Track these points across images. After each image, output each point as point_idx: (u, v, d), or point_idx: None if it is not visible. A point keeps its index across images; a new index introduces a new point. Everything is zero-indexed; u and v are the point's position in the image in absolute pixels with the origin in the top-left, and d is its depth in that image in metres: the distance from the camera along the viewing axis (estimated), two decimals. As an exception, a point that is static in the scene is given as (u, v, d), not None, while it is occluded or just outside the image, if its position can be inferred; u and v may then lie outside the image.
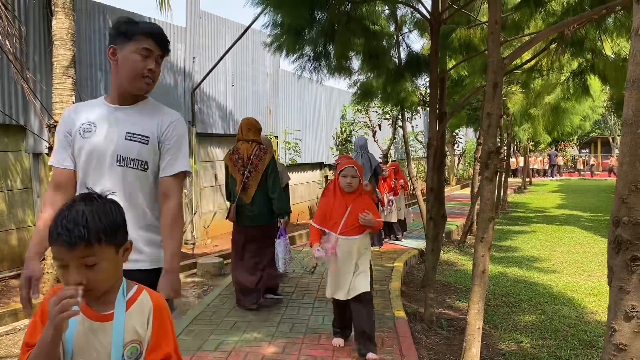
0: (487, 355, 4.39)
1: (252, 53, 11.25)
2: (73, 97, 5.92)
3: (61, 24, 5.78)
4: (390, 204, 9.26)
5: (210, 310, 5.20)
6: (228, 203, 5.50)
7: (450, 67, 6.19)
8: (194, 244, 9.12)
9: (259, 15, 6.86)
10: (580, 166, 39.67)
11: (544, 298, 6.33)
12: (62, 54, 5.79)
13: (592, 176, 35.98)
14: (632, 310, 2.06)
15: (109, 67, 7.68)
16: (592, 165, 38.05)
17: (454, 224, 11.40)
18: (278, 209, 5.10)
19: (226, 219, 5.30)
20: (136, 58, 2.21)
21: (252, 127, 5.15)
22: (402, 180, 9.69)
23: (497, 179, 11.55)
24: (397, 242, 9.18)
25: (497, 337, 4.95)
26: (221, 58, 9.21)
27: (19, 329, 4.91)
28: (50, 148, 5.84)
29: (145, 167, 2.23)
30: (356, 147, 8.45)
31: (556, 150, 38.51)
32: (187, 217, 9.33)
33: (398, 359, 3.95)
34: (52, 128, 5.83)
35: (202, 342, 4.31)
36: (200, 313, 5.12)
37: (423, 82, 11.48)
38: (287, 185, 6.56)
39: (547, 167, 36.57)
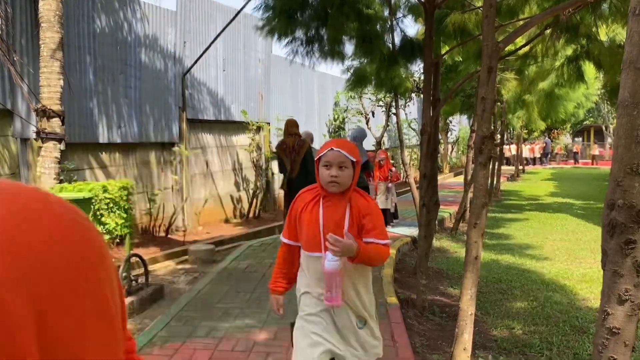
0: (479, 341, 4.39)
1: (244, 38, 11.13)
2: (61, 81, 5.82)
3: (48, 6, 5.66)
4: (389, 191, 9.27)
5: (202, 297, 5.16)
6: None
7: (444, 52, 6.13)
8: (185, 230, 9.06)
9: (250, -2, 6.76)
10: (596, 153, 39.59)
11: (536, 285, 6.34)
12: (49, 36, 5.67)
13: (575, 164, 36.41)
14: (626, 294, 2.04)
15: (97, 50, 7.57)
16: (575, 152, 38.43)
17: (447, 212, 11.41)
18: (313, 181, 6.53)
19: (280, 188, 7.38)
20: None
21: (294, 125, 6.99)
22: (393, 169, 9.69)
23: (491, 166, 11.52)
24: (389, 230, 9.17)
25: (489, 323, 4.95)
26: (212, 42, 9.10)
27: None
28: (38, 133, 5.75)
29: None
30: (350, 137, 8.39)
31: (549, 138, 38.61)
32: (178, 204, 9.26)
33: (390, 345, 3.93)
34: (39, 112, 5.74)
35: (193, 328, 4.28)
36: (191, 300, 5.08)
37: (417, 68, 11.44)
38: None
39: (538, 155, 36.71)
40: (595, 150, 37.45)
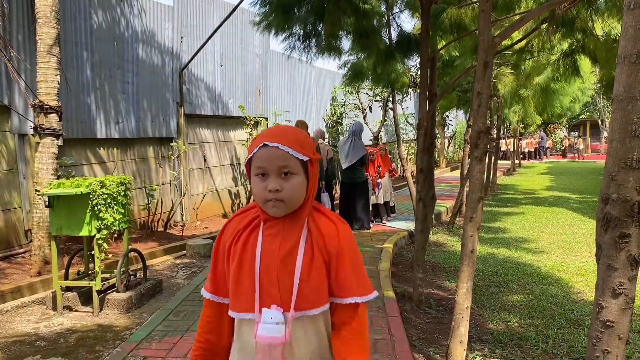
0: (475, 334, 4.42)
1: (241, 33, 11.11)
2: (58, 77, 5.82)
3: (45, 1, 5.66)
4: (379, 186, 9.30)
5: (200, 291, 5.17)
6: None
7: (441, 47, 6.14)
8: (183, 225, 9.08)
9: (247, -7, 6.75)
10: (581, 147, 39.90)
11: (532, 278, 6.38)
12: (46, 32, 5.67)
13: (564, 157, 36.80)
14: (620, 287, 2.06)
15: (95, 46, 7.56)
16: (564, 147, 38.75)
17: (444, 206, 11.44)
18: (320, 176, 7.87)
19: None
20: None
21: (303, 124, 7.87)
22: (392, 165, 9.75)
23: (487, 160, 11.60)
24: (386, 224, 9.20)
25: (485, 316, 4.99)
26: (209, 37, 9.08)
27: (6, 310, 4.87)
28: (36, 128, 5.75)
29: None
30: (349, 131, 8.46)
31: (545, 132, 38.70)
32: (176, 199, 9.27)
33: (387, 338, 3.97)
34: (37, 108, 5.73)
35: (191, 322, 4.30)
36: (189, 294, 5.11)
37: (414, 63, 11.45)
38: (331, 159, 8.71)
39: (532, 149, 36.88)
40: (581, 144, 37.70)
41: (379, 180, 9.30)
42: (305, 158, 1.44)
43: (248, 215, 1.56)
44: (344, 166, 8.40)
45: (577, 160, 34.73)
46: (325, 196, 8.51)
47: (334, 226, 1.49)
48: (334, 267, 1.45)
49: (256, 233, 1.50)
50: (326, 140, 9.46)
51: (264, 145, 1.41)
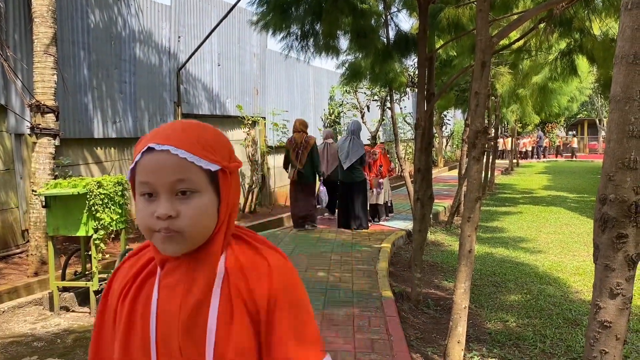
0: (473, 334, 4.42)
1: (239, 32, 11.10)
2: (55, 76, 5.80)
3: (41, 1, 5.64)
4: (381, 186, 9.30)
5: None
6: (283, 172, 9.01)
7: (438, 46, 6.14)
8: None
9: (245, -7, 6.74)
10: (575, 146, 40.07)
11: (529, 278, 6.39)
12: (42, 31, 5.65)
13: (556, 157, 37.42)
14: (617, 288, 2.06)
15: (92, 45, 7.54)
16: (558, 146, 38.99)
17: (442, 205, 11.45)
18: (317, 172, 8.58)
19: (289, 178, 8.51)
20: None
21: (301, 124, 8.45)
22: (391, 165, 9.76)
23: (485, 160, 11.60)
24: (384, 224, 9.20)
25: (483, 316, 4.99)
26: (207, 37, 9.07)
27: (3, 311, 4.86)
28: (33, 128, 5.73)
29: None
30: (348, 130, 8.50)
31: (543, 132, 38.76)
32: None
33: (385, 338, 3.96)
34: (34, 108, 5.72)
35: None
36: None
37: (412, 62, 11.44)
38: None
39: (529, 148, 36.98)
40: (574, 143, 37.84)
41: (380, 180, 9.29)
42: (215, 167, 0.97)
43: (142, 257, 1.08)
44: (345, 166, 8.40)
45: (573, 160, 34.80)
46: (323, 192, 8.70)
47: (265, 262, 1.01)
48: (264, 325, 0.98)
49: (151, 284, 1.03)
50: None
51: (149, 149, 0.95)
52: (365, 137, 15.21)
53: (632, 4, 1.97)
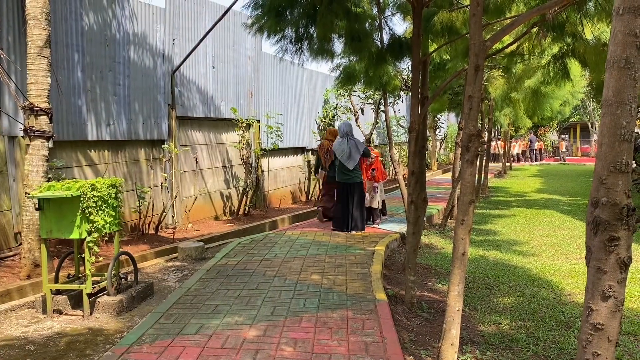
0: (466, 336, 4.44)
1: (233, 35, 11.10)
2: (48, 79, 5.78)
3: (35, 3, 5.62)
4: (376, 191, 9.31)
5: (191, 294, 5.16)
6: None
7: (432, 50, 6.17)
8: (174, 228, 9.04)
9: (239, -4, 6.75)
10: (563, 150, 40.28)
11: (522, 280, 6.41)
12: (36, 33, 5.63)
13: (541, 160, 37.51)
14: (609, 290, 2.08)
15: (86, 48, 7.52)
16: (556, 148, 39.27)
17: (435, 208, 11.48)
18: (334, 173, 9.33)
19: (320, 178, 9.91)
20: None
21: (330, 133, 9.66)
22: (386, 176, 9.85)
23: (478, 163, 11.64)
24: (378, 227, 9.21)
25: (476, 318, 5.01)
26: (201, 40, 9.07)
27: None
28: (26, 130, 5.71)
29: None
30: (341, 132, 8.51)
31: (536, 135, 38.95)
32: (167, 201, 9.24)
33: (379, 341, 3.97)
34: (27, 110, 5.69)
35: (182, 325, 4.28)
36: (180, 297, 5.08)
37: (406, 66, 11.48)
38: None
39: (520, 151, 37.13)
40: (562, 146, 38.08)
41: (375, 184, 9.31)
42: None
43: None
44: (351, 166, 8.41)
45: (561, 162, 35.01)
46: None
47: None
48: None
49: None
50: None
51: None
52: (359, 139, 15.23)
53: (624, 9, 1.99)
